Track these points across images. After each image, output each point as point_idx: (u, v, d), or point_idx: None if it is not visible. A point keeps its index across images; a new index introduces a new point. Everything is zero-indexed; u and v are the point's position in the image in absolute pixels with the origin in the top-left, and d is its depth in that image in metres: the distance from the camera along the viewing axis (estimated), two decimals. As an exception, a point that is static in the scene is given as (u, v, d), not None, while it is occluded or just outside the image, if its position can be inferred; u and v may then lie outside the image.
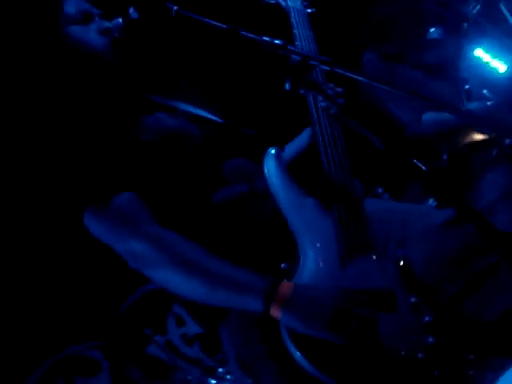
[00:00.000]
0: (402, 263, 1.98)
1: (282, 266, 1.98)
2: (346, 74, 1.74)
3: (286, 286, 1.79)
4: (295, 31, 2.40)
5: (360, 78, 1.70)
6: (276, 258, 2.01)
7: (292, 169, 2.14)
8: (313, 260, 1.99)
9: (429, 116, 2.98)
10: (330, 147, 2.12)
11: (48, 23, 2.20)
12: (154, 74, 2.35)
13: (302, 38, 2.38)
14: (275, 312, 1.77)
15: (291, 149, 2.32)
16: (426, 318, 1.90)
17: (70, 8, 2.22)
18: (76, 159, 2.02)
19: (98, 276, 2.35)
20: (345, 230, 2.00)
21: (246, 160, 2.23)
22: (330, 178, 2.05)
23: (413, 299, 1.92)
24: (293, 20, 2.44)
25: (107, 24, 2.16)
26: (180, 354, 2.20)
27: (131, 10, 2.03)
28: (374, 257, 2.00)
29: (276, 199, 2.08)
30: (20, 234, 2.42)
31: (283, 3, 2.53)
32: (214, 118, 2.30)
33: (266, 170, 2.12)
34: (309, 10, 2.53)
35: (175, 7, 1.94)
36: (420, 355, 1.83)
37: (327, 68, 1.74)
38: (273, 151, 2.15)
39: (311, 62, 1.75)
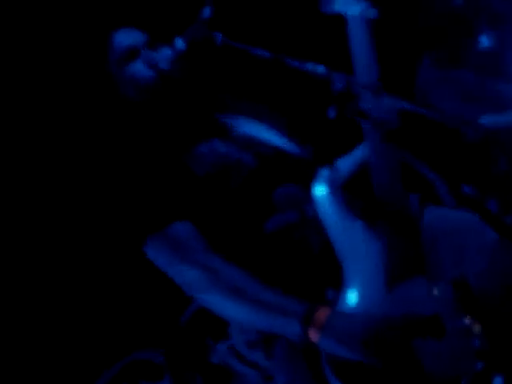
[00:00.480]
0: (456, 284, 1.98)
1: (328, 293, 2.01)
2: (392, 101, 1.74)
3: (322, 312, 1.83)
4: (352, 43, 2.36)
5: (406, 106, 1.70)
6: (323, 285, 2.02)
7: (344, 189, 2.14)
8: (357, 287, 1.98)
9: (485, 120, 2.93)
10: (383, 168, 2.09)
11: (97, 68, 2.28)
12: (212, 96, 2.38)
13: (360, 50, 2.35)
14: (313, 335, 1.82)
15: (345, 166, 2.32)
16: (476, 343, 1.89)
17: (120, 43, 2.29)
18: (134, 191, 2.11)
19: (161, 285, 2.42)
20: (392, 254, 1.99)
21: (296, 186, 2.22)
22: (380, 200, 2.04)
23: (463, 323, 1.91)
24: (351, 31, 2.41)
25: (154, 55, 2.20)
26: (243, 359, 2.24)
27: (178, 41, 2.06)
28: (425, 279, 1.98)
29: (324, 223, 2.07)
30: (93, 255, 2.65)
31: (343, 11, 2.48)
32: (274, 140, 2.30)
33: (314, 193, 2.09)
34: (371, 17, 2.47)
35: (220, 36, 1.97)
36: (463, 382, 1.84)
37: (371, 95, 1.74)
38: (324, 173, 2.13)
39: (355, 90, 1.76)
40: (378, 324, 1.80)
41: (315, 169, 2.14)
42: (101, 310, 2.76)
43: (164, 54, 2.12)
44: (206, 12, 1.96)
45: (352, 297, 1.97)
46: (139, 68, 2.27)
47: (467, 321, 1.92)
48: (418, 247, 2.01)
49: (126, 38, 2.31)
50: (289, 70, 1.86)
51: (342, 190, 2.10)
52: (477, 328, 1.92)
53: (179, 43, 2.05)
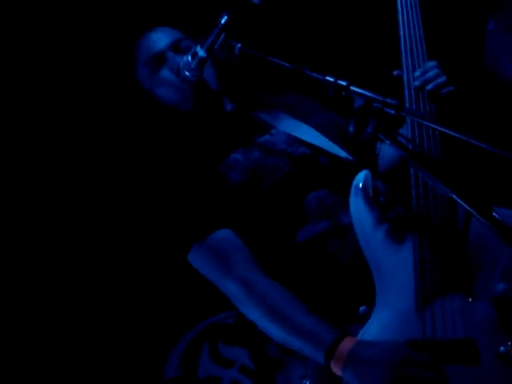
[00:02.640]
0: (498, 301, 1.83)
1: (360, 309, 1.91)
2: (413, 119, 1.62)
3: (346, 345, 1.80)
4: (401, 32, 2.20)
5: (426, 123, 1.57)
6: (356, 299, 1.94)
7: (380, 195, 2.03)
8: (386, 305, 1.89)
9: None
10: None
11: (125, 76, 2.24)
12: (245, 95, 2.31)
13: (410, 38, 2.19)
14: (335, 368, 1.80)
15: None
16: None
17: (145, 50, 2.24)
18: (172, 200, 2.10)
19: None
20: (425, 270, 1.87)
21: (329, 192, 2.12)
22: (418, 212, 1.93)
23: (502, 348, 1.76)
24: (399, 18, 2.22)
25: (178, 61, 2.12)
26: None
27: (198, 49, 1.96)
28: (462, 296, 1.84)
29: (356, 232, 1.98)
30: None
31: None
32: (313, 139, 2.20)
33: (349, 200, 2.01)
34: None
35: (238, 45, 1.88)
36: None
37: (392, 112, 1.62)
38: (360, 183, 2.02)
39: (375, 105, 1.63)
40: (401, 360, 1.73)
41: (351, 173, 2.04)
42: (176, 279, 2.80)
43: (185, 62, 2.05)
44: (223, 19, 1.87)
45: (379, 318, 1.88)
46: (167, 74, 2.22)
47: (506, 346, 1.77)
48: (462, 259, 1.88)
49: (151, 43, 2.25)
50: (309, 82, 1.76)
51: (377, 197, 1.99)
52: None
53: (199, 51, 1.97)
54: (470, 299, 1.84)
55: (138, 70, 2.27)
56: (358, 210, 1.99)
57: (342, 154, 2.19)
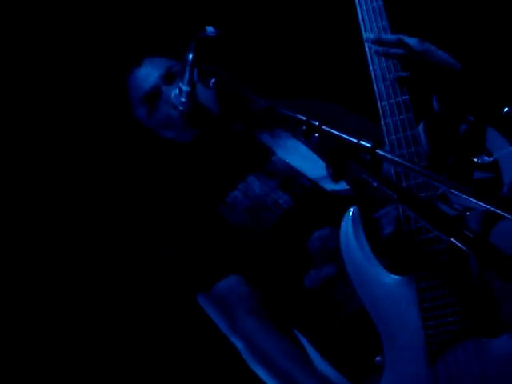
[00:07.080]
0: None
1: (377, 359, 1.75)
2: (389, 159, 1.40)
3: None
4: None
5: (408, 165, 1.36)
6: (370, 348, 1.77)
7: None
8: (394, 362, 1.71)
9: None
10: None
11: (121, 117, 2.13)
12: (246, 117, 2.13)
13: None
14: None
15: None
16: None
17: (138, 87, 2.09)
18: (174, 245, 2.03)
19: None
20: (435, 309, 1.68)
21: (332, 230, 1.90)
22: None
23: None
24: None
25: (172, 93, 1.93)
26: None
27: (181, 85, 1.82)
28: (476, 338, 1.63)
29: (352, 279, 1.78)
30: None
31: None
32: (313, 170, 2.01)
33: (339, 233, 1.81)
34: None
35: (212, 79, 1.71)
36: None
37: (367, 157, 1.40)
38: (349, 219, 1.80)
39: (350, 150, 1.42)
40: None
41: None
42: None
43: (176, 95, 1.89)
44: (189, 57, 1.73)
45: (391, 372, 1.71)
46: (165, 110, 2.06)
47: None
48: (477, 296, 1.68)
49: (142, 79, 2.10)
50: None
51: (374, 233, 1.80)
52: None
53: (183, 86, 1.83)
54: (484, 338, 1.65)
55: (134, 109, 2.13)
56: (349, 251, 1.79)
57: (337, 185, 1.93)
